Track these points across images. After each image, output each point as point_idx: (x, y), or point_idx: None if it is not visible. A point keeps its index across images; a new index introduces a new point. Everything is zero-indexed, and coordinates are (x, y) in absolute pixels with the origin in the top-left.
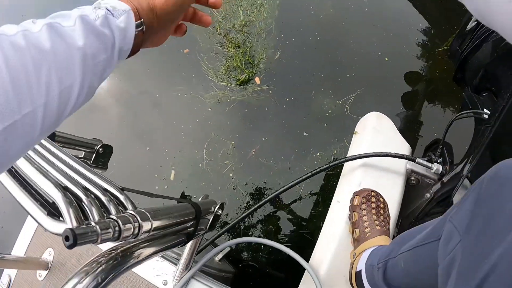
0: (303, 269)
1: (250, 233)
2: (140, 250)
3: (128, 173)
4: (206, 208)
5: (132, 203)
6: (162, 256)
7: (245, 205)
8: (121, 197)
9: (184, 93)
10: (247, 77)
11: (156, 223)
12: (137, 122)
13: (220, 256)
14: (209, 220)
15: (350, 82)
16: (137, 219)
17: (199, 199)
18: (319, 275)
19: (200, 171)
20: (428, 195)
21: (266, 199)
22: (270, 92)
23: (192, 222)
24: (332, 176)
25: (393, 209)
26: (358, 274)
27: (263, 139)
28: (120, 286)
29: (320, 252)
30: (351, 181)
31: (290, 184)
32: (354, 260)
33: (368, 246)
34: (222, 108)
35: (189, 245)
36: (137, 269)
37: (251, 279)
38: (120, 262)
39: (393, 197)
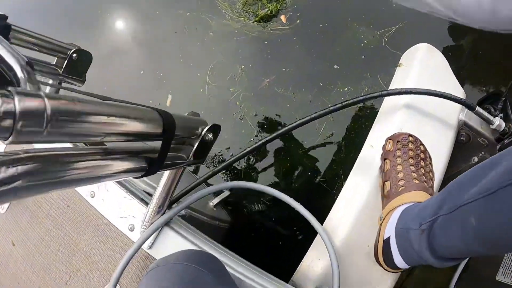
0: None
1: (255, 176)
2: (69, 163)
3: (120, 97)
4: (187, 126)
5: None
6: (131, 193)
7: (252, 139)
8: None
9: (186, 12)
10: (269, 12)
11: (63, 107)
12: (133, 44)
13: (216, 201)
14: (193, 146)
15: (393, 13)
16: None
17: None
18: (335, 242)
19: (201, 97)
20: (475, 159)
21: (278, 132)
22: (298, 21)
23: (159, 141)
24: (362, 117)
25: (438, 168)
26: (386, 242)
27: (283, 69)
28: (78, 223)
29: (339, 211)
30: (390, 124)
31: (308, 118)
32: (381, 224)
33: (399, 203)
34: (234, 37)
35: (163, 180)
36: (98, 206)
37: (251, 233)
38: (40, 168)
39: (439, 152)
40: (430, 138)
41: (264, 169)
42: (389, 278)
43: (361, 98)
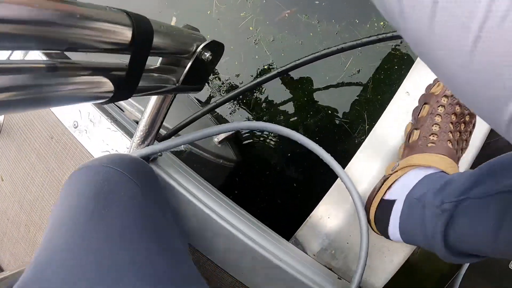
0: (332, 177)
1: (266, 111)
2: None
3: None
4: (176, 40)
5: None
6: (116, 123)
7: (266, 67)
8: None
9: None
10: None
11: None
12: None
13: (221, 137)
14: (185, 67)
15: None
16: None
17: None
18: (366, 177)
19: (208, 20)
20: None
21: (297, 62)
22: None
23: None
24: (396, 58)
25: (477, 140)
26: (387, 204)
27: (317, 2)
28: (61, 157)
29: (362, 161)
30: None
31: (335, 48)
32: (390, 175)
33: (422, 162)
34: None
35: (147, 110)
36: (81, 138)
37: (258, 178)
38: None
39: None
40: None
41: (279, 104)
42: (404, 250)
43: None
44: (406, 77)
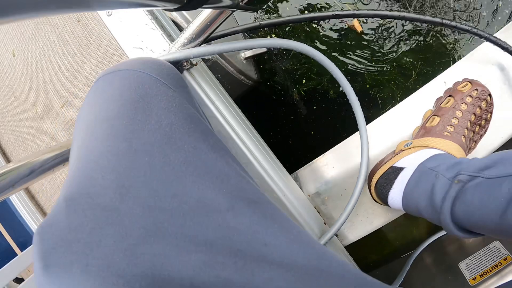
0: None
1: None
2: None
3: None
4: None
5: None
6: (156, 22)
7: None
8: None
9: None
10: None
11: None
12: None
13: (248, 54)
14: None
15: None
16: None
17: None
18: (375, 146)
19: None
20: None
21: (355, 12)
22: None
23: None
24: (449, 47)
25: (484, 149)
26: (394, 171)
27: None
28: (86, 43)
29: (381, 128)
30: (477, 71)
31: (397, 14)
32: (402, 151)
33: (436, 145)
34: None
35: (200, 18)
36: (113, 27)
37: (275, 107)
38: None
39: (499, 132)
40: (503, 116)
41: (323, 49)
42: (386, 216)
43: (464, 27)
44: (450, 68)
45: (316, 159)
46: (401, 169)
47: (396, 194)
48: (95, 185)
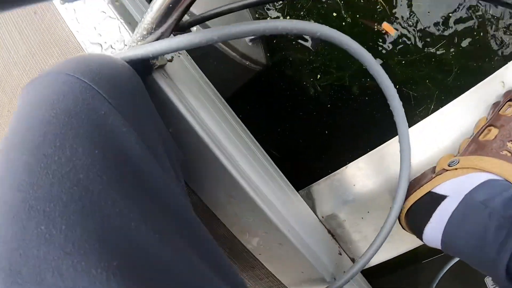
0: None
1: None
2: None
3: None
4: None
5: None
6: (113, 5)
7: None
8: None
9: None
10: None
11: None
12: None
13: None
14: None
15: None
16: None
17: None
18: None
19: None
20: None
21: None
22: None
23: None
24: (500, 41)
25: None
26: (433, 199)
27: None
28: (45, 39)
29: (420, 134)
30: None
31: None
32: (444, 172)
33: (490, 168)
34: None
35: None
36: (68, 18)
37: (287, 100)
38: None
39: None
40: None
41: (349, 31)
42: (412, 243)
43: None
44: (506, 66)
45: (335, 172)
46: (443, 197)
47: (434, 230)
48: None
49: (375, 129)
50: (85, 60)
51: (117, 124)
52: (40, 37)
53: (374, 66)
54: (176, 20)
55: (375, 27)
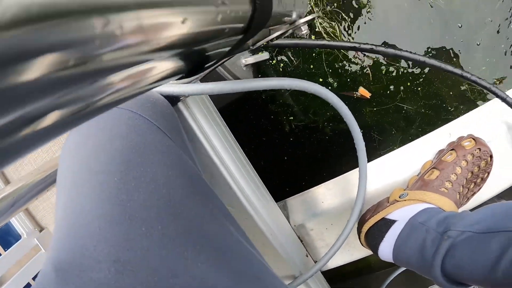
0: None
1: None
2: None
3: None
4: (279, 13)
5: None
6: None
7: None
8: None
9: None
10: None
11: None
12: None
13: (250, 61)
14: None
15: None
16: None
17: None
18: (370, 186)
19: None
20: None
21: (383, 50)
22: None
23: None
24: (460, 98)
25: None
26: (385, 223)
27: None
28: None
29: (383, 169)
30: (484, 127)
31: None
32: (396, 202)
33: (435, 201)
34: None
35: None
36: None
37: (275, 120)
38: None
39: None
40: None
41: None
42: (365, 252)
43: (484, 83)
44: (455, 120)
45: (308, 191)
46: (393, 221)
47: (386, 247)
48: (87, 257)
49: (346, 158)
50: (140, 97)
51: (179, 153)
52: None
53: (348, 116)
54: (206, 72)
55: (354, 95)
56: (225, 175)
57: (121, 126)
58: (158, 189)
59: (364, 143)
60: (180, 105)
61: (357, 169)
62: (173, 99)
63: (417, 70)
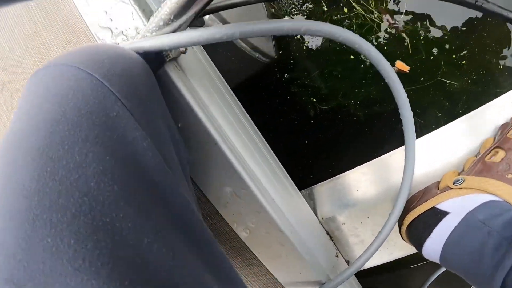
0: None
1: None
2: None
3: None
4: None
5: None
6: None
7: None
8: None
9: None
10: None
11: None
12: None
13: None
14: None
15: None
16: None
17: None
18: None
19: None
20: None
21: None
22: None
23: None
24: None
25: None
26: (435, 214)
27: None
28: (51, 19)
29: (432, 144)
30: None
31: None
32: (448, 189)
33: (495, 190)
34: None
35: None
36: (78, 1)
37: (296, 97)
38: None
39: None
40: None
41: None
42: (406, 250)
43: None
44: (508, 93)
45: (339, 176)
46: (445, 214)
47: (434, 245)
48: None
49: (381, 140)
50: (97, 52)
51: (130, 128)
52: (46, 16)
53: (390, 73)
54: (196, 14)
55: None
56: (227, 154)
57: (55, 86)
58: (84, 180)
59: (411, 112)
60: (168, 67)
61: (400, 149)
62: (158, 60)
63: (458, 42)
